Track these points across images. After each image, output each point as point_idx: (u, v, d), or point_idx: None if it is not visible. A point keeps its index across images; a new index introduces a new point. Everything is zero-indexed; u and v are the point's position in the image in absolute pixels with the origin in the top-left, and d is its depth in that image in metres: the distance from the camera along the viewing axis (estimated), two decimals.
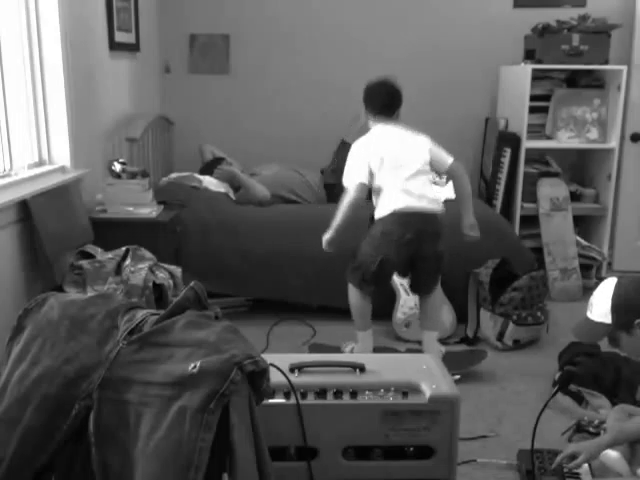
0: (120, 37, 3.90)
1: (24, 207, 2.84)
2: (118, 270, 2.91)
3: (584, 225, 4.50)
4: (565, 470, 2.07)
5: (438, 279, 3.16)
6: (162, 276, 2.97)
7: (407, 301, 3.48)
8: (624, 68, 4.18)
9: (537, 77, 4.23)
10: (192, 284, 1.56)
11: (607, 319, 2.06)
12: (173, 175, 4.23)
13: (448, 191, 4.10)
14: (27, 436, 1.45)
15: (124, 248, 3.01)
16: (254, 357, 1.39)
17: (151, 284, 2.88)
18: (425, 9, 4.63)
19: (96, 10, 3.65)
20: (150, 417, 1.37)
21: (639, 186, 4.49)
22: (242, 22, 4.68)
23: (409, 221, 2.96)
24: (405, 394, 1.90)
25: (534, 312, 3.40)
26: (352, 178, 3.03)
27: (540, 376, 3.03)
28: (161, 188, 3.95)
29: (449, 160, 3.12)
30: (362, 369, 1.98)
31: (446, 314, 3.51)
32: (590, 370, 2.76)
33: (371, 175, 3.00)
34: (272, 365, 1.63)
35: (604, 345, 2.33)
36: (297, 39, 4.69)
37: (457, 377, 2.90)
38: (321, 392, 1.90)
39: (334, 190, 4.29)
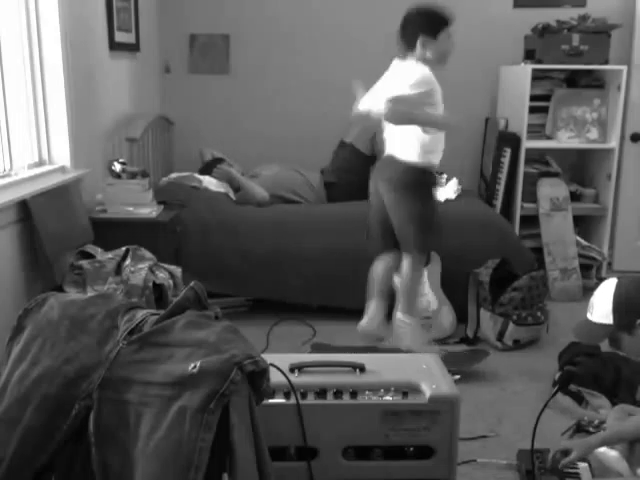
0: (120, 37, 3.90)
1: (24, 207, 2.84)
2: (118, 270, 2.91)
3: (584, 225, 4.50)
4: (559, 466, 2.07)
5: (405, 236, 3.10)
6: (162, 276, 2.97)
7: None
8: (624, 68, 4.18)
9: (537, 77, 4.23)
10: (192, 284, 1.56)
11: (608, 320, 2.05)
12: (173, 175, 4.23)
13: (448, 191, 4.11)
14: (27, 436, 1.45)
15: (124, 248, 3.01)
16: (254, 357, 1.39)
17: (151, 284, 2.88)
18: None
19: (96, 10, 3.65)
20: (150, 417, 1.37)
21: (639, 186, 4.49)
22: (242, 22, 4.68)
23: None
24: (405, 394, 1.90)
25: (534, 312, 3.40)
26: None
27: (540, 376, 3.03)
28: (161, 188, 3.95)
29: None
30: (362, 369, 1.98)
31: (446, 314, 3.51)
32: (590, 370, 2.76)
33: None
34: (272, 365, 1.63)
35: (604, 345, 2.33)
36: (297, 39, 4.69)
37: (457, 377, 2.90)
38: (321, 392, 1.90)
39: (334, 190, 4.30)
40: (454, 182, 4.19)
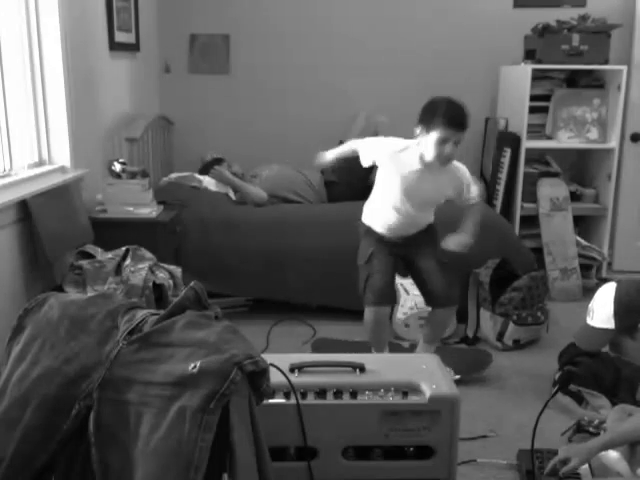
0: (120, 37, 3.90)
1: (24, 207, 2.83)
2: (118, 270, 2.91)
3: (584, 225, 4.50)
4: (560, 474, 2.06)
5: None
6: (162, 276, 2.97)
7: (407, 301, 3.48)
8: (624, 68, 4.18)
9: (537, 77, 4.23)
10: (192, 284, 1.56)
11: (609, 324, 2.03)
12: (173, 175, 4.24)
13: None
14: (27, 436, 1.45)
15: (124, 248, 3.01)
16: (254, 357, 1.39)
17: (151, 284, 2.88)
18: (425, 9, 4.63)
19: (96, 10, 3.65)
20: (150, 417, 1.37)
21: (639, 186, 4.49)
22: (242, 22, 4.68)
23: None
24: (405, 394, 1.90)
25: (534, 312, 3.40)
26: None
27: (540, 376, 3.03)
28: (161, 188, 3.95)
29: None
30: (362, 369, 1.98)
31: None
32: (590, 370, 2.76)
33: None
34: (272, 365, 1.63)
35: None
36: (297, 39, 4.69)
37: (457, 377, 2.90)
38: (321, 392, 1.89)
39: (335, 189, 4.30)
40: None
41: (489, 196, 4.49)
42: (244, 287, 3.72)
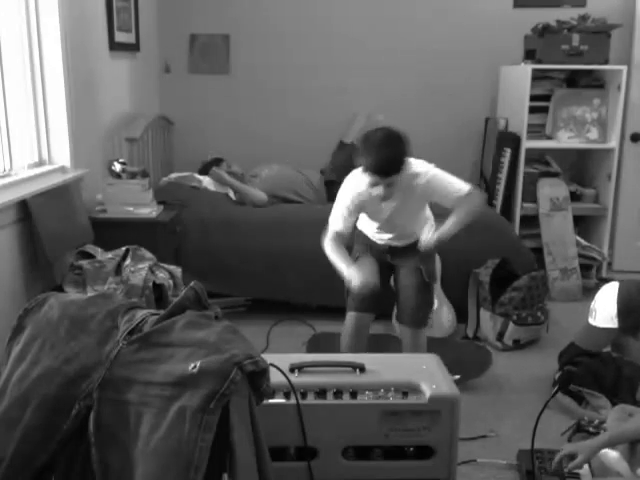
0: (120, 37, 3.90)
1: (24, 207, 2.83)
2: (118, 270, 2.91)
3: (584, 225, 4.50)
4: (565, 470, 2.07)
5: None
6: (162, 276, 2.97)
7: None
8: (624, 68, 4.18)
9: (537, 77, 4.23)
10: (192, 284, 1.56)
11: (612, 324, 2.02)
12: (173, 175, 4.24)
13: None
14: (27, 436, 1.45)
15: (124, 248, 3.01)
16: (254, 357, 1.39)
17: (151, 284, 2.88)
18: (425, 9, 4.63)
19: (96, 10, 3.65)
20: (150, 417, 1.37)
21: (639, 186, 4.49)
22: (242, 22, 4.68)
23: None
24: (405, 394, 1.90)
25: (534, 312, 3.40)
26: None
27: (540, 376, 3.03)
28: (161, 188, 3.95)
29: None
30: (362, 369, 1.98)
31: (446, 314, 3.51)
32: (590, 370, 2.76)
33: None
34: (272, 365, 1.63)
35: None
36: (297, 39, 4.69)
37: (457, 377, 2.90)
38: (321, 392, 1.90)
39: (335, 189, 4.29)
40: None
41: (489, 196, 4.49)
42: (244, 287, 3.72)
